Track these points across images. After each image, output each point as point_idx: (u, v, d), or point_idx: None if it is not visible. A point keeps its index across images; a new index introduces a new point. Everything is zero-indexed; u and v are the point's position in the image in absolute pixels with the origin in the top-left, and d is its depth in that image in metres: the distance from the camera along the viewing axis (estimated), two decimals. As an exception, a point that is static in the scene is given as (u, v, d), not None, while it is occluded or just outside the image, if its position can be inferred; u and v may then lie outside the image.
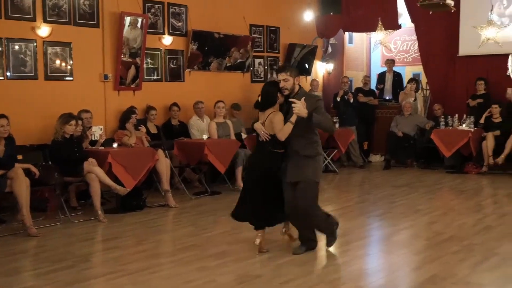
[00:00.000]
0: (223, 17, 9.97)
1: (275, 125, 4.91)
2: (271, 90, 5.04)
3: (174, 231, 6.32)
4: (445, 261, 4.91)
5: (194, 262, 4.90)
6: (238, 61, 10.30)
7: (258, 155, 5.17)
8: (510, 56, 10.47)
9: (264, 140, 4.99)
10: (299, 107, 4.75)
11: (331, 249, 5.29)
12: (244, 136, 9.30)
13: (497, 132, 9.70)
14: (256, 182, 5.09)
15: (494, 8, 10.38)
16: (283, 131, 4.87)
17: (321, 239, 5.33)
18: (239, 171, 8.36)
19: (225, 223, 6.52)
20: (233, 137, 8.62)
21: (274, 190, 5.07)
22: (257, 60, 10.85)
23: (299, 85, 5.13)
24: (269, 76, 10.96)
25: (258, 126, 5.04)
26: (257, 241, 5.13)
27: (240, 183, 8.26)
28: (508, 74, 10.50)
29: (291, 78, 5.00)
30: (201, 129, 8.85)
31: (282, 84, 4.99)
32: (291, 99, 4.83)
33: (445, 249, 5.24)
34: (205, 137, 8.32)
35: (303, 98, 4.86)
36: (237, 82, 10.41)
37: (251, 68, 10.66)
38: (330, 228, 5.28)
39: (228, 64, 10.13)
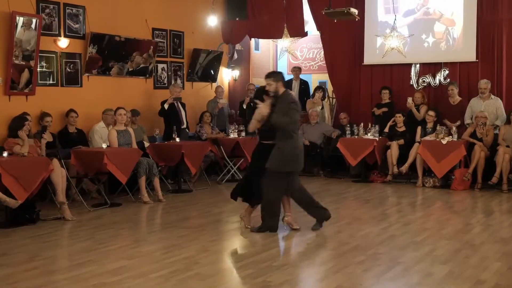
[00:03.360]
0: (124, 20, 9.80)
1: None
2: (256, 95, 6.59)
3: (70, 245, 6.09)
4: (350, 271, 5.05)
5: (91, 279, 4.74)
6: (141, 66, 10.15)
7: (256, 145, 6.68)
8: (413, 66, 11.07)
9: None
10: (261, 108, 6.20)
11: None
12: (146, 144, 9.17)
13: (401, 141, 10.18)
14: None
15: (397, 18, 10.92)
16: (250, 126, 6.52)
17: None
18: (142, 181, 8.21)
19: (125, 237, 6.40)
20: (134, 145, 8.46)
21: None
22: (160, 65, 10.74)
23: (285, 88, 6.39)
24: (173, 81, 10.87)
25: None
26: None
27: (144, 193, 8.14)
28: (411, 83, 11.10)
29: (273, 83, 6.28)
30: (105, 137, 8.65)
31: (268, 87, 6.30)
32: (255, 100, 6.33)
33: (350, 259, 5.40)
34: (104, 145, 8.11)
35: (268, 101, 6.24)
36: (139, 88, 10.26)
37: (153, 74, 10.53)
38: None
39: (130, 69, 9.95)
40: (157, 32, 10.60)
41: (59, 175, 7.09)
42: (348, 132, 10.56)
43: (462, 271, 5.02)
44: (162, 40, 10.73)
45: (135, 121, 9.44)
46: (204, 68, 11.67)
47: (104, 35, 9.32)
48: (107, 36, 9.34)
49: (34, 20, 8.17)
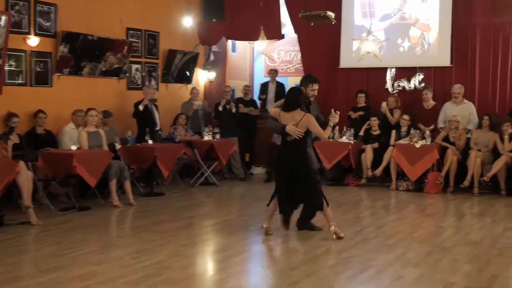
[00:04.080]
0: (97, 19, 9.68)
1: (314, 126, 6.19)
2: (296, 96, 6.31)
3: (36, 251, 5.96)
4: (323, 274, 5.06)
5: (57, 285, 4.65)
6: (114, 66, 10.03)
7: (292, 151, 6.23)
8: (389, 70, 11.12)
9: (298, 137, 6.13)
10: (336, 117, 6.41)
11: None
12: (118, 146, 9.05)
13: (376, 145, 10.22)
14: (295, 173, 6.19)
15: (374, 22, 10.97)
16: (326, 133, 6.37)
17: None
18: (112, 184, 8.07)
19: (94, 241, 6.29)
20: (105, 147, 8.34)
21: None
22: (134, 66, 10.63)
23: None
24: (147, 82, 10.77)
25: (291, 127, 6.12)
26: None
27: (114, 197, 8.02)
28: (386, 87, 11.15)
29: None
30: (75, 138, 8.51)
31: (314, 93, 6.53)
32: (336, 111, 6.45)
33: (322, 263, 5.41)
34: (74, 147, 7.98)
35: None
36: (112, 88, 10.13)
37: (127, 74, 10.42)
38: None
39: (103, 69, 9.83)
40: (131, 32, 10.50)
41: (25, 178, 6.92)
42: (323, 135, 10.54)
43: (433, 273, 5.06)
44: (136, 40, 10.63)
45: (106, 122, 9.30)
46: (180, 69, 11.58)
47: (77, 34, 9.18)
48: (79, 35, 9.21)
49: (3, 17, 7.98)
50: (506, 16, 10.23)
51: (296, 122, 6.15)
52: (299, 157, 6.22)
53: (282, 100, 6.50)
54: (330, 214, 6.31)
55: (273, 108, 6.51)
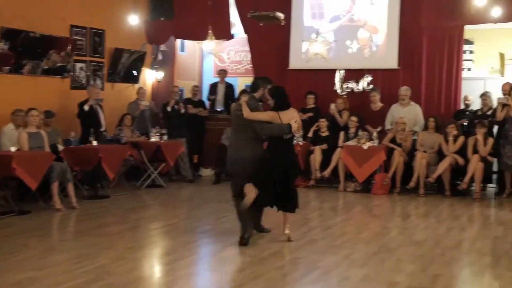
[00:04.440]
0: (40, 15, 9.47)
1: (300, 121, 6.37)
2: (285, 94, 6.32)
3: (-29, 257, 5.77)
4: (269, 276, 5.07)
5: (-8, 293, 4.53)
6: (58, 64, 9.83)
7: (285, 150, 6.22)
8: (337, 71, 11.26)
9: (295, 134, 6.29)
10: None
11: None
12: (60, 147, 8.85)
13: (324, 146, 10.34)
14: (286, 172, 6.16)
15: (323, 24, 11.08)
16: None
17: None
18: (54, 187, 7.89)
19: (34, 246, 6.11)
20: (47, 149, 8.14)
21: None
22: (78, 65, 10.43)
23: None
24: (92, 82, 10.58)
25: (296, 125, 6.11)
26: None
27: (56, 200, 7.83)
28: (335, 89, 11.29)
29: None
30: (15, 139, 8.27)
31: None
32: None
33: (269, 265, 5.42)
34: (13, 149, 7.76)
35: None
36: (55, 87, 9.93)
37: (71, 73, 10.21)
38: None
39: (45, 68, 9.61)
40: (76, 29, 10.30)
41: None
42: (272, 136, 10.59)
43: (377, 274, 5.16)
44: (81, 38, 10.44)
45: (48, 123, 9.07)
46: (126, 68, 11.44)
47: (18, 30, 8.95)
48: (21, 31, 8.98)
49: None
50: (451, 20, 10.51)
51: (296, 119, 6.20)
52: (290, 156, 6.32)
53: (245, 102, 6.34)
54: (293, 217, 6.41)
55: (257, 114, 6.24)
